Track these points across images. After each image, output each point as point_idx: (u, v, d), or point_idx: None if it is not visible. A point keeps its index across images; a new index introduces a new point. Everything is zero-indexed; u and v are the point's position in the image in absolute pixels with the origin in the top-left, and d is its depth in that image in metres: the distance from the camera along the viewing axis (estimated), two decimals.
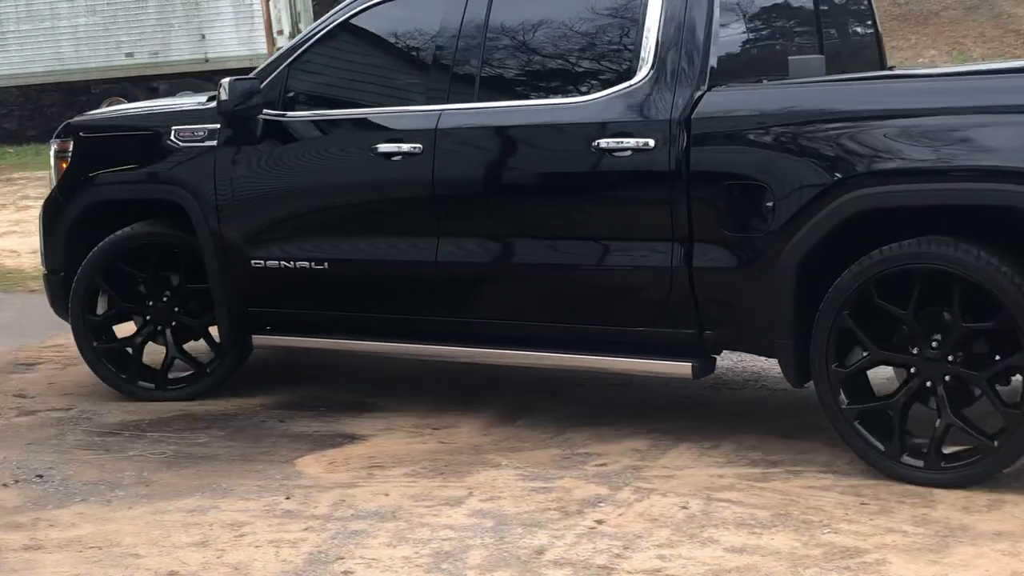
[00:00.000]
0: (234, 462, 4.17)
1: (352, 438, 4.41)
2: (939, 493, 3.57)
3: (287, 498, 3.72)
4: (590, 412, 4.56)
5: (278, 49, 4.88)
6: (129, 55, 15.78)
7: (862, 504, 3.42)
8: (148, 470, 4.01)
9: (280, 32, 15.77)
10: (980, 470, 3.46)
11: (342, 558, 3.13)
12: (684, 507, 3.46)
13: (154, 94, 14.73)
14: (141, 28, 15.75)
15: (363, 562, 3.10)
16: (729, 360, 4.71)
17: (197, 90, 12.35)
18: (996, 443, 3.38)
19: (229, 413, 4.73)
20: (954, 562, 3.00)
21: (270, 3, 15.39)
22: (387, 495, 3.70)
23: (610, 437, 4.15)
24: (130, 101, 13.86)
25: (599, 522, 3.37)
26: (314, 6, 17.11)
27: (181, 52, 15.77)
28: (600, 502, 3.55)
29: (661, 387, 4.86)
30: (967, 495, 3.50)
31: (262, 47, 15.39)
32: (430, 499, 3.63)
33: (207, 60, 15.69)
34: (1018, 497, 3.47)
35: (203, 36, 15.78)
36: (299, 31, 16.03)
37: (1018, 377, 3.49)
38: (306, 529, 3.38)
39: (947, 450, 3.50)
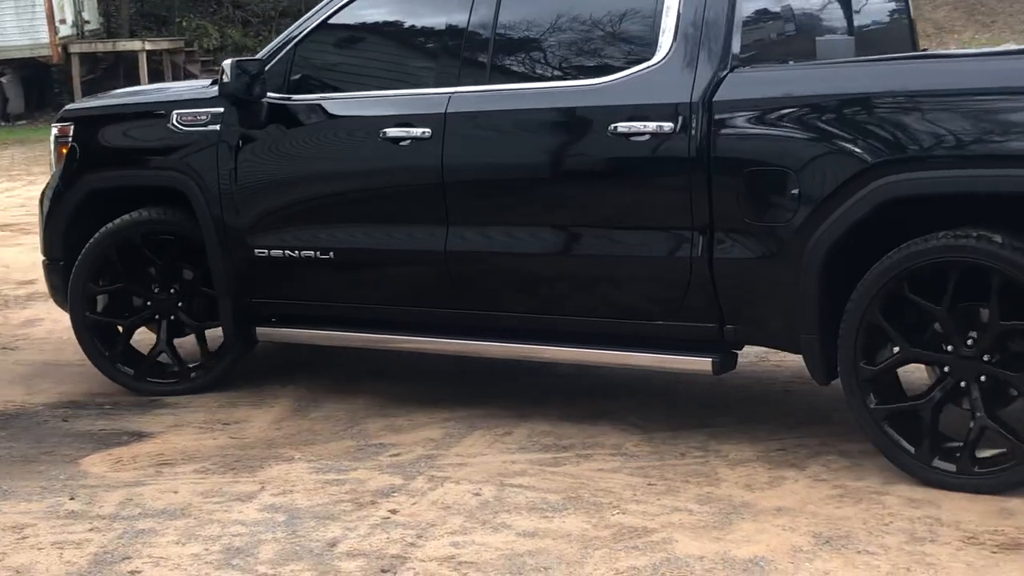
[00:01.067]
0: (15, 463, 4.15)
1: (139, 435, 4.41)
2: (723, 472, 3.82)
3: (71, 498, 3.76)
4: (384, 402, 4.64)
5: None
6: None
7: (649, 485, 3.63)
8: None
9: (63, 21, 16.45)
10: (1016, 475, 3.42)
11: (129, 557, 3.17)
12: (477, 494, 3.61)
13: None
14: None
15: (151, 561, 3.14)
16: None
17: None
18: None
19: (10, 413, 4.72)
20: (737, 538, 3.22)
21: None
22: (176, 492, 3.75)
23: (404, 427, 4.31)
24: None
25: (393, 512, 3.48)
26: None
27: None
28: (394, 492, 3.67)
29: (456, 376, 5.00)
30: (748, 473, 3.74)
31: (44, 36, 15.90)
32: (220, 495, 3.69)
33: None
34: (797, 473, 3.73)
35: None
36: (83, 19, 17.03)
37: None
38: (91, 529, 3.42)
39: (981, 454, 3.47)
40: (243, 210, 4.47)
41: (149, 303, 4.75)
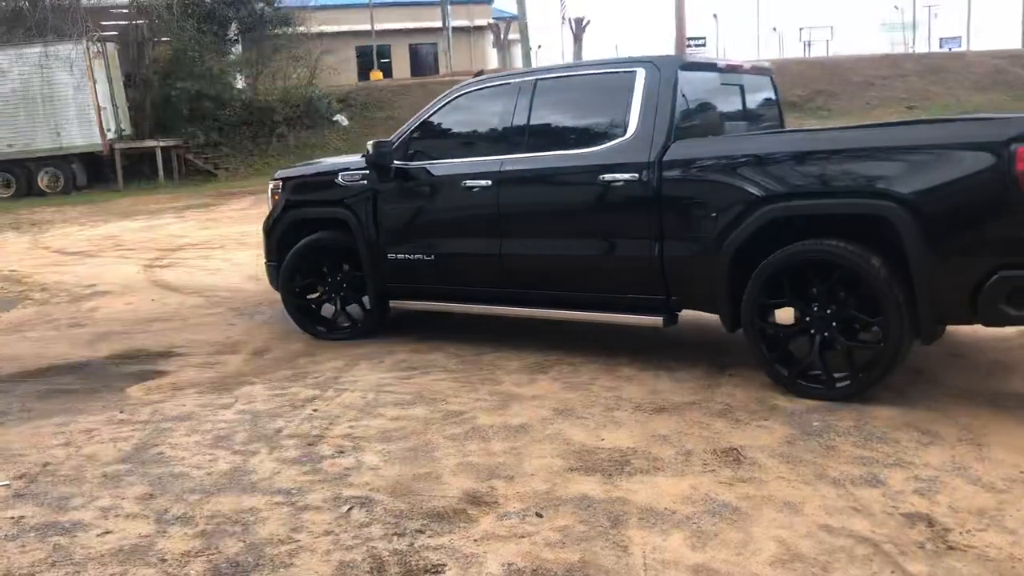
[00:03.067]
0: (87, 393, 5.62)
1: (162, 373, 6.07)
2: (503, 377, 5.37)
3: (120, 412, 5.15)
4: (310, 348, 6.49)
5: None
6: (10, 145, 23.63)
7: (462, 387, 5.29)
8: (28, 402, 5.46)
9: (109, 129, 24.38)
10: (854, 387, 4.64)
11: (156, 445, 4.53)
12: (364, 398, 5.16)
13: (27, 172, 23.73)
14: (15, 126, 23.81)
15: (169, 446, 4.50)
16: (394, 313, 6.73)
17: None
18: (860, 375, 4.62)
19: (82, 363, 6.46)
20: (511, 414, 4.75)
21: (101, 114, 23.90)
22: (184, 406, 5.21)
23: (322, 360, 6.13)
24: (10, 176, 23.29)
25: (315, 411, 4.95)
26: (130, 113, 25.95)
27: (43, 142, 23.85)
28: (315, 399, 5.18)
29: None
30: (517, 377, 5.36)
31: (98, 139, 24.04)
32: (211, 406, 5.15)
33: (61, 148, 23.90)
34: (544, 376, 5.36)
35: (59, 133, 23.87)
36: (121, 128, 24.43)
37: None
38: (133, 430, 4.78)
39: (836, 375, 4.69)
40: (381, 232, 6.23)
41: (327, 287, 6.70)
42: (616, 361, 5.72)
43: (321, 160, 7.79)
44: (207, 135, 26.40)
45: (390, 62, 43.80)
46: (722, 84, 5.80)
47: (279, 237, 6.79)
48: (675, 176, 5.01)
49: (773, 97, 6.29)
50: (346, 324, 6.69)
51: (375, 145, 6.12)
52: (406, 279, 6.27)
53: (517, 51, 43.01)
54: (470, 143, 6.10)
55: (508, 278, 5.77)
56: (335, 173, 6.52)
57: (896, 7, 54.33)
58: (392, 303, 6.46)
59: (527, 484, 3.92)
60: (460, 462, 4.18)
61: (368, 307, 6.62)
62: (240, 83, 28.80)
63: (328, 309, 6.78)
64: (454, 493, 3.86)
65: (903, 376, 5.12)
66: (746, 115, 5.95)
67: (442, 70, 41.52)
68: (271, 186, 7.00)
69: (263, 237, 7.01)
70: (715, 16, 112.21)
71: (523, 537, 3.45)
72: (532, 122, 5.67)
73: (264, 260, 7.10)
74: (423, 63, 45.49)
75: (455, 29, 42.51)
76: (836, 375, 4.67)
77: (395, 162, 6.15)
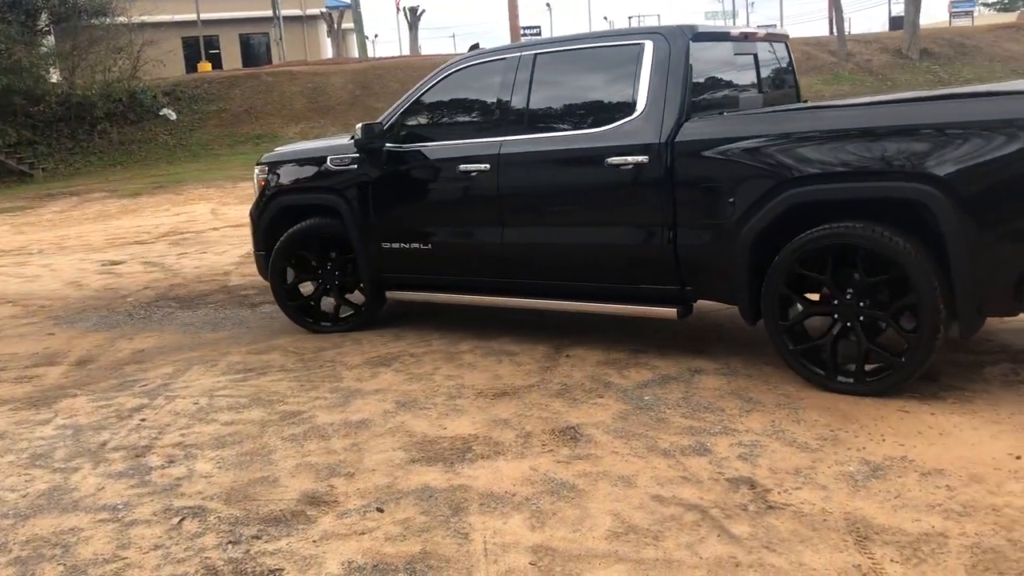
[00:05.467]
0: None
1: None
2: (344, 373, 5.25)
3: None
4: (138, 356, 6.19)
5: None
6: None
7: (301, 386, 5.16)
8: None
9: None
10: (891, 380, 4.25)
11: None
12: (196, 403, 4.99)
13: None
14: None
15: None
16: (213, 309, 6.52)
17: None
18: (903, 359, 4.21)
19: None
20: (353, 410, 4.70)
21: None
22: None
23: (149, 368, 5.85)
24: None
25: (143, 420, 4.76)
26: None
27: None
28: (143, 408, 4.98)
29: (180, 332, 6.69)
30: (359, 373, 5.24)
31: None
32: (27, 423, 4.87)
33: None
34: (387, 370, 5.29)
35: None
36: None
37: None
38: None
39: (868, 368, 4.32)
40: (375, 220, 5.91)
41: (319, 278, 6.41)
42: (459, 349, 5.76)
43: (306, 143, 7.41)
44: (19, 133, 24.70)
45: (219, 53, 42.17)
46: (736, 54, 5.45)
47: (267, 225, 6.51)
48: (689, 158, 4.67)
49: (788, 67, 5.95)
50: (343, 316, 6.45)
51: (364, 127, 5.81)
52: (402, 269, 6.01)
53: (353, 40, 42.39)
54: (466, 124, 5.79)
55: (510, 268, 5.49)
56: (323, 158, 6.23)
57: None
58: (388, 294, 6.22)
59: (368, 480, 3.88)
60: (299, 463, 4.10)
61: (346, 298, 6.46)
62: (55, 77, 27.02)
63: (327, 302, 6.51)
64: (292, 495, 3.77)
65: (729, 347, 5.38)
66: (761, 87, 5.63)
67: (275, 60, 40.38)
68: (256, 171, 6.68)
69: (250, 225, 6.75)
70: (548, 5, 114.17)
71: (363, 534, 3.41)
72: (532, 100, 5.35)
73: (252, 249, 6.84)
74: (255, 54, 44.09)
75: (287, 18, 41.38)
76: (867, 367, 4.36)
77: (386, 144, 5.87)
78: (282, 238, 6.39)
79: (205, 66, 36.70)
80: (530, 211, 5.34)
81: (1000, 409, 4.15)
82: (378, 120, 5.95)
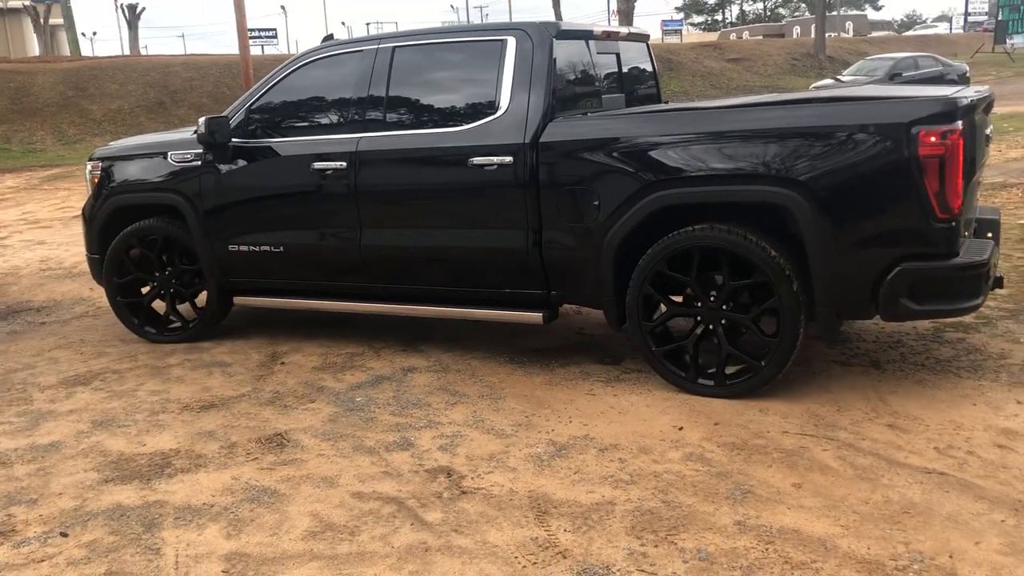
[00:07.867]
0: None
1: None
2: (34, 392, 4.92)
3: None
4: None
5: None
6: None
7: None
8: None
9: None
10: (753, 383, 4.29)
11: None
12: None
13: None
14: None
15: None
16: None
17: None
18: (763, 363, 4.26)
19: None
20: (42, 432, 4.40)
21: None
22: None
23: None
24: None
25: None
26: None
27: None
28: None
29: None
30: (52, 393, 4.93)
31: None
32: None
33: None
34: (82, 388, 5.01)
35: None
36: None
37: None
38: None
39: (729, 371, 4.34)
40: (220, 219, 5.56)
41: (155, 282, 6.04)
42: (167, 363, 5.58)
43: (145, 136, 6.65)
44: None
45: None
46: (599, 53, 5.36)
47: (101, 226, 6.03)
48: (554, 159, 4.59)
49: (650, 67, 5.99)
50: (177, 324, 6.04)
51: (208, 121, 5.40)
52: (251, 273, 5.62)
53: (64, 36, 39.15)
54: (321, 119, 5.42)
55: (369, 272, 5.24)
56: (163, 153, 5.78)
57: (452, 7, 58.35)
58: (237, 300, 5.80)
59: (53, 504, 3.67)
60: None
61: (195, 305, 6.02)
62: None
63: (160, 306, 6.07)
64: None
65: (441, 344, 5.59)
66: (623, 86, 5.61)
67: None
68: (88, 167, 6.13)
69: (83, 226, 6.22)
70: (283, 8, 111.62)
71: (42, 561, 3.22)
72: (391, 95, 5.12)
73: (85, 252, 6.30)
74: None
75: None
76: (728, 371, 4.39)
77: (232, 140, 5.50)
78: (114, 241, 6.00)
79: None
80: (389, 212, 5.13)
81: (672, 388, 4.62)
82: (224, 113, 5.61)
